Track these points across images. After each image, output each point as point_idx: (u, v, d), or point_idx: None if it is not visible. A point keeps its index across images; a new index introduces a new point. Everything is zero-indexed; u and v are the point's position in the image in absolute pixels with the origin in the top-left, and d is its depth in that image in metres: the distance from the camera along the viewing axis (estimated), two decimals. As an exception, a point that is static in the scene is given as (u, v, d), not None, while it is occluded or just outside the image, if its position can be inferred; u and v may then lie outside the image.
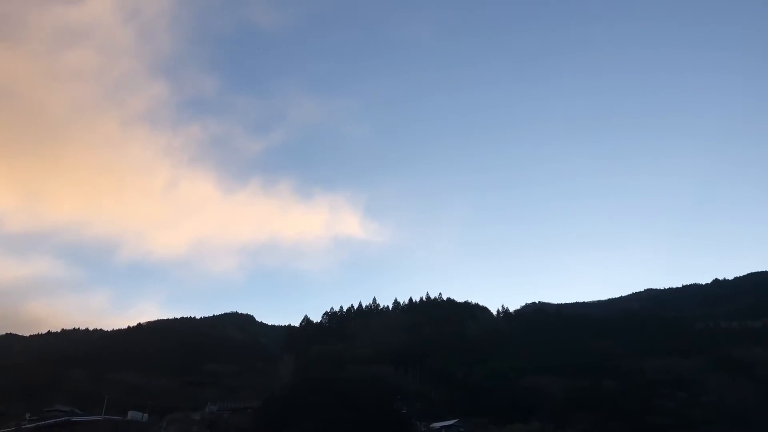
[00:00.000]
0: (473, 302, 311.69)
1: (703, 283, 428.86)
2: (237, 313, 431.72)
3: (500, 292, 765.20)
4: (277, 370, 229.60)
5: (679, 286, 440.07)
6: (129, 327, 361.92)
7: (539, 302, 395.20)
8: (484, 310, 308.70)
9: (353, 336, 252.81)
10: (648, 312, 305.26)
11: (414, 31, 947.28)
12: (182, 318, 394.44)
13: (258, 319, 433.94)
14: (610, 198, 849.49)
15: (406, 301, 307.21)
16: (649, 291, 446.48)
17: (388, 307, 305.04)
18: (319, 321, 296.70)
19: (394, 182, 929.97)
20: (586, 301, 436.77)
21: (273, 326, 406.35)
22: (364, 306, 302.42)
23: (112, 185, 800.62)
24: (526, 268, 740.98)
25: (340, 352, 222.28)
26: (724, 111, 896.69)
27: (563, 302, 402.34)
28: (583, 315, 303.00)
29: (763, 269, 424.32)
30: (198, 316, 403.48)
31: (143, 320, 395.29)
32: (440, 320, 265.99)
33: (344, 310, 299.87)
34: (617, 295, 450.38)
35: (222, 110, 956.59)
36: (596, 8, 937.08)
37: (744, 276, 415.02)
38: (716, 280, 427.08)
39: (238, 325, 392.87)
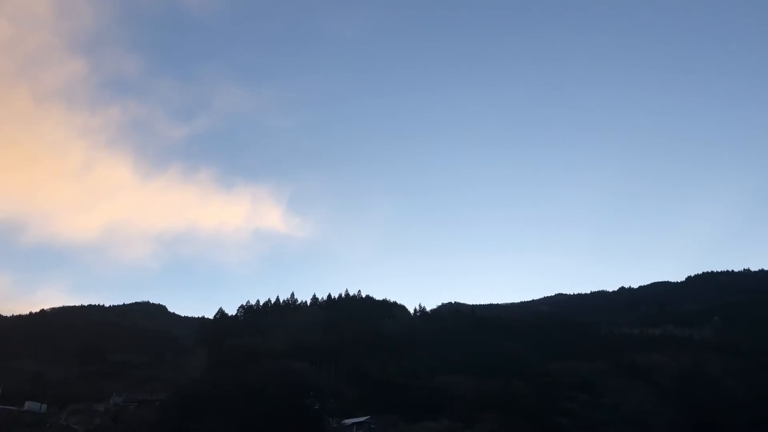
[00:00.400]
0: (391, 300, 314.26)
1: (610, 290, 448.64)
2: (148, 302, 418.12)
3: (418, 292, 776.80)
4: (188, 363, 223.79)
5: (588, 292, 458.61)
6: (31, 313, 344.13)
7: (455, 302, 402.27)
8: (402, 308, 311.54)
9: (269, 330, 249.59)
10: (557, 316, 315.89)
11: (343, 29, 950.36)
12: (89, 306, 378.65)
13: (170, 309, 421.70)
14: (527, 206, 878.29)
15: (325, 298, 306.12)
16: (559, 296, 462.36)
17: (306, 302, 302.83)
18: (234, 314, 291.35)
19: (319, 178, 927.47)
20: (500, 303, 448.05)
21: (186, 318, 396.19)
22: (281, 301, 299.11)
23: (21, 163, 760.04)
24: (444, 269, 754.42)
25: (255, 346, 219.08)
26: (635, 126, 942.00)
27: (478, 303, 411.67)
28: (496, 316, 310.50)
29: (665, 279, 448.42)
30: (107, 304, 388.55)
31: (47, 306, 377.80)
32: (358, 317, 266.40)
33: (261, 304, 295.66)
34: (530, 299, 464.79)
35: (144, 93, 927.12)
36: (519, 17, 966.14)
37: (647, 285, 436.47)
38: (622, 288, 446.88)
39: (149, 315, 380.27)
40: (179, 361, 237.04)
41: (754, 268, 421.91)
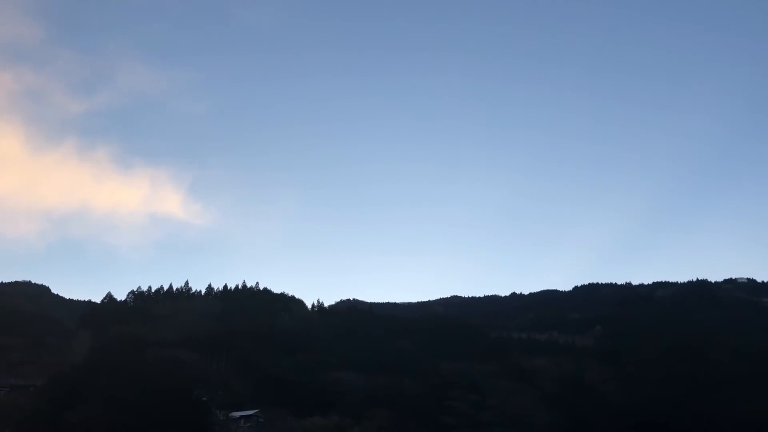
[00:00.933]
0: (290, 294, 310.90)
1: (503, 295, 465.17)
2: (30, 282, 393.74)
3: (317, 287, 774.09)
4: (71, 348, 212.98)
5: (482, 296, 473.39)
6: None
7: (353, 299, 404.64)
8: (300, 303, 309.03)
9: (159, 319, 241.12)
10: (451, 317, 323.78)
11: (258, 14, 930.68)
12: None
13: (54, 291, 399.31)
14: (429, 206, 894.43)
15: (221, 288, 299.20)
16: (454, 298, 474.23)
17: (200, 292, 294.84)
18: (123, 300, 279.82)
19: (223, 166, 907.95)
20: (397, 302, 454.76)
21: (72, 300, 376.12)
22: (174, 289, 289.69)
23: None
24: (344, 266, 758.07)
25: (144, 333, 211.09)
26: (540, 130, 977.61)
27: (376, 301, 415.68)
28: (392, 315, 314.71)
29: (554, 288, 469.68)
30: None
31: None
32: (254, 309, 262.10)
33: (152, 290, 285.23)
34: (426, 299, 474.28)
35: (41, 62, 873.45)
36: (427, 8, 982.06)
37: (537, 292, 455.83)
38: (513, 294, 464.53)
39: (30, 296, 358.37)
40: (61, 346, 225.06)
41: (634, 281, 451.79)
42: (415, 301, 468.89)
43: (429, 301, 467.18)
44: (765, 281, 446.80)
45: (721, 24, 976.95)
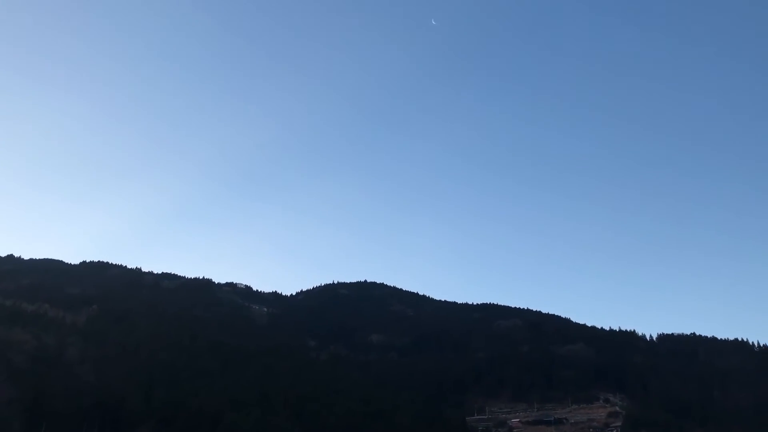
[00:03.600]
0: None
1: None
2: None
3: None
4: None
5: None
6: None
7: None
8: None
9: None
10: None
11: None
12: None
13: None
14: None
15: None
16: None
17: None
18: None
19: None
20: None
21: None
22: None
23: None
24: None
25: None
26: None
27: None
28: None
29: (59, 258, 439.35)
30: None
31: None
32: None
33: None
34: None
35: None
36: None
37: (39, 260, 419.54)
38: (11, 256, 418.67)
39: None
40: None
41: (145, 269, 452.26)
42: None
43: None
44: (258, 290, 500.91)
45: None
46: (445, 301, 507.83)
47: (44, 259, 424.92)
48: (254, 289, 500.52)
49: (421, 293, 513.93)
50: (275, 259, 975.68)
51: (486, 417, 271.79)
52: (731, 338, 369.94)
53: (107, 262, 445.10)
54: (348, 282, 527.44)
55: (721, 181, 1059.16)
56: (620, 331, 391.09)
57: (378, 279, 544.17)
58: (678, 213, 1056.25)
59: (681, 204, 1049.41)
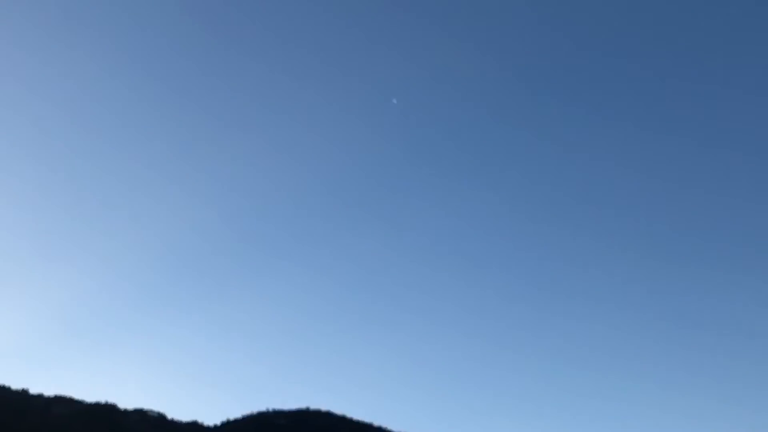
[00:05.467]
0: None
1: None
2: None
3: None
4: None
5: None
6: None
7: None
8: None
9: None
10: None
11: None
12: None
13: None
14: None
15: None
16: None
17: None
18: None
19: None
20: None
21: None
22: None
23: None
24: None
25: None
26: None
27: None
28: None
29: None
30: None
31: None
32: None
33: None
34: None
35: None
36: None
37: None
38: None
39: None
40: None
41: (33, 390, 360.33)
42: None
43: None
44: (173, 418, 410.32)
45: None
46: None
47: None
48: (169, 417, 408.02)
49: (376, 424, 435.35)
50: (195, 381, 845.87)
51: None
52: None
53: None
54: (285, 410, 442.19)
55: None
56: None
57: (323, 405, 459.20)
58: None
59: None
